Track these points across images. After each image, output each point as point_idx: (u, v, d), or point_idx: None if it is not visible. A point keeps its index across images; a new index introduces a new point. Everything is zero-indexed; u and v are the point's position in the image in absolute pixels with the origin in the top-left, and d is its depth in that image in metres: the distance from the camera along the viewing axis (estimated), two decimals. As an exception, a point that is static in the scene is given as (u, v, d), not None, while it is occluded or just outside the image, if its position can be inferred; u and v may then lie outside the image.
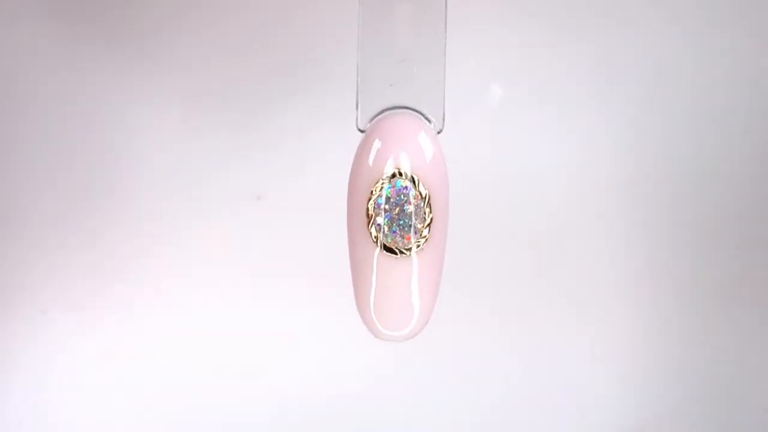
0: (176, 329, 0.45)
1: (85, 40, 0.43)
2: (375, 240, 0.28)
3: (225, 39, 0.44)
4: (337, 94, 0.44)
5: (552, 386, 0.46)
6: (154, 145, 0.44)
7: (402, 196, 0.28)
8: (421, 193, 0.28)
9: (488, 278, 0.46)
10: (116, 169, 0.44)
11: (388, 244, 0.28)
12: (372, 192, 0.28)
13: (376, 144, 0.28)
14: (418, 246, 0.28)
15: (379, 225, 0.28)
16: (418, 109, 0.29)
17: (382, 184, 0.28)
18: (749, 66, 0.45)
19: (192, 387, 0.46)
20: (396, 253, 0.28)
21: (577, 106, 0.45)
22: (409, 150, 0.28)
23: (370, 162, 0.28)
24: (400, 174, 0.28)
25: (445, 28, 0.29)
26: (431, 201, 0.28)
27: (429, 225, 0.28)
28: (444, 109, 0.29)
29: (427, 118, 0.29)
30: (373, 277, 0.28)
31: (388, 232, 0.28)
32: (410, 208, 0.28)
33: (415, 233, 0.28)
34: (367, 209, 0.28)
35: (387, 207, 0.28)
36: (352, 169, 0.29)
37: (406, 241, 0.28)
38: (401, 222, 0.28)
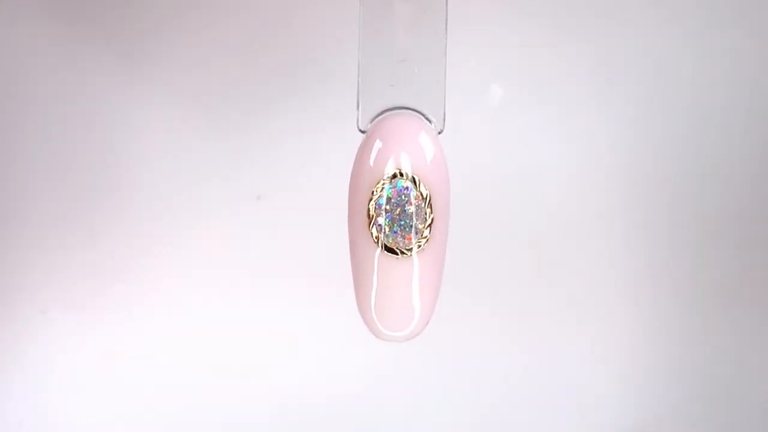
0: (176, 329, 0.45)
1: (85, 40, 0.43)
2: (376, 240, 0.28)
3: (225, 39, 0.44)
4: (337, 94, 0.44)
5: (552, 386, 0.46)
6: (154, 145, 0.44)
7: (403, 197, 0.28)
8: (422, 194, 0.28)
9: (488, 278, 0.46)
10: (116, 169, 0.44)
11: (389, 245, 0.28)
12: (373, 192, 0.28)
13: (377, 144, 0.28)
14: (419, 246, 0.28)
15: (380, 225, 0.28)
16: (418, 109, 0.29)
17: (383, 184, 0.28)
18: (749, 66, 0.45)
19: (192, 387, 0.46)
20: (397, 254, 0.28)
21: (577, 106, 0.45)
22: (410, 150, 0.28)
23: (371, 162, 0.28)
24: (401, 174, 0.28)
25: (446, 28, 0.29)
26: (432, 201, 0.28)
27: (430, 225, 0.28)
28: (444, 110, 0.29)
29: (427, 119, 0.29)
30: (374, 278, 0.28)
31: (389, 233, 0.28)
32: (411, 209, 0.28)
33: (416, 233, 0.28)
34: (368, 209, 0.28)
35: (388, 207, 0.28)
36: (353, 170, 0.29)
37: (407, 242, 0.28)
38: (402, 222, 0.28)
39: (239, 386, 0.46)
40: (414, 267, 0.28)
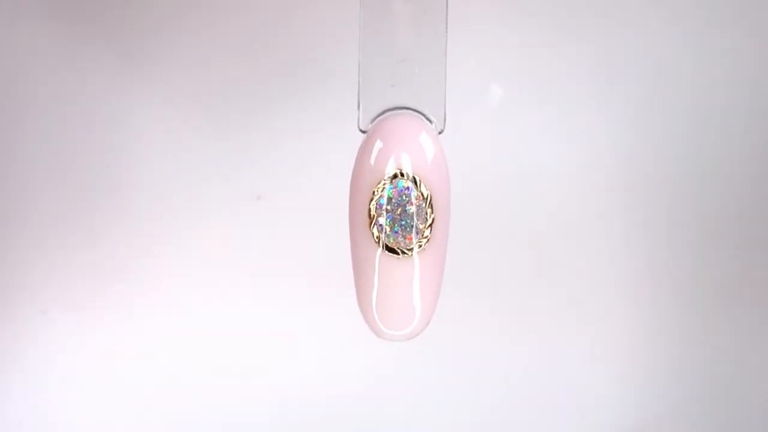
0: (176, 329, 0.45)
1: (85, 40, 0.43)
2: (377, 240, 0.28)
3: (225, 39, 0.44)
4: (338, 94, 0.44)
5: (552, 386, 0.46)
6: (154, 145, 0.44)
7: (404, 197, 0.28)
8: (422, 194, 0.28)
9: (488, 278, 0.46)
10: (116, 169, 0.44)
11: (390, 244, 0.28)
12: (374, 192, 0.28)
13: (378, 144, 0.28)
14: (420, 246, 0.28)
15: (381, 225, 0.28)
16: (419, 109, 0.29)
17: (384, 184, 0.28)
18: (749, 66, 0.45)
19: (192, 387, 0.46)
20: (398, 253, 0.28)
21: (577, 106, 0.45)
22: (410, 150, 0.28)
23: (372, 162, 0.28)
24: (402, 174, 0.28)
25: (446, 28, 0.29)
26: (433, 201, 0.28)
27: (431, 225, 0.28)
28: (445, 110, 0.29)
29: (428, 119, 0.29)
30: (375, 277, 0.28)
31: (390, 233, 0.28)
32: (412, 209, 0.28)
33: (417, 233, 0.28)
34: (369, 209, 0.28)
35: (389, 207, 0.28)
36: (354, 170, 0.29)
37: (407, 242, 0.28)
38: (403, 222, 0.28)
39: (239, 386, 0.46)
40: (415, 267, 0.28)
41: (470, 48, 0.44)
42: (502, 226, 0.46)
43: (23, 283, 0.44)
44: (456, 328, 0.45)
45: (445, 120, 0.29)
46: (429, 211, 0.28)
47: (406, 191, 0.28)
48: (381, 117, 0.29)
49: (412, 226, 0.28)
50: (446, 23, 0.29)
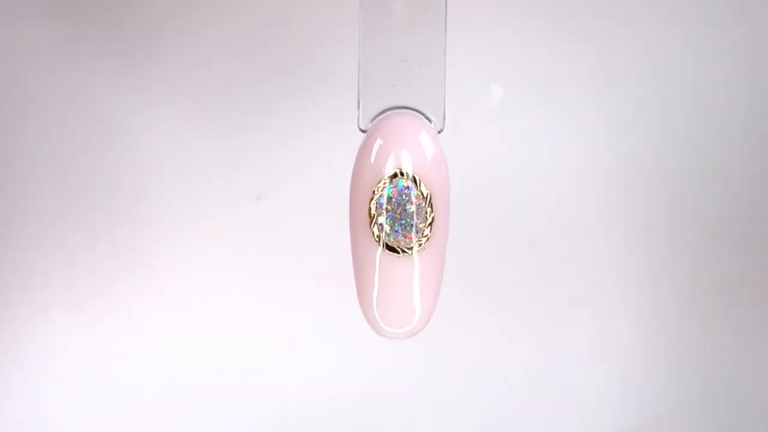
0: (176, 329, 0.45)
1: (85, 40, 0.43)
2: (377, 239, 0.28)
3: (225, 39, 0.44)
4: (337, 94, 0.44)
5: (552, 386, 0.46)
6: (154, 145, 0.44)
7: (404, 196, 0.28)
8: (422, 193, 0.28)
9: (488, 278, 0.46)
10: (116, 169, 0.44)
11: (390, 243, 0.28)
12: (374, 192, 0.28)
13: (378, 144, 0.28)
14: (420, 245, 0.28)
15: (381, 224, 0.28)
16: (418, 108, 0.29)
17: (384, 183, 0.28)
18: (749, 66, 0.45)
19: (192, 387, 0.46)
20: (398, 252, 0.28)
21: (577, 106, 0.45)
22: (410, 150, 0.28)
23: (372, 162, 0.28)
24: (402, 174, 0.28)
25: (445, 28, 0.29)
26: (432, 200, 0.28)
27: (430, 224, 0.28)
28: (444, 109, 0.29)
29: (427, 118, 0.29)
30: (376, 276, 0.29)
31: (390, 232, 0.28)
32: (412, 208, 0.28)
33: (417, 232, 0.28)
34: (369, 209, 0.28)
35: (389, 207, 0.28)
36: (354, 169, 0.29)
37: (407, 241, 0.28)
38: (403, 221, 0.28)
39: (239, 386, 0.46)
40: (415, 265, 0.28)
41: (470, 48, 0.44)
42: (502, 226, 0.46)
43: (23, 283, 0.44)
44: (456, 328, 0.45)
45: (444, 119, 0.29)
46: (429, 210, 0.28)
47: (406, 190, 0.28)
48: (381, 116, 0.29)
49: (412, 225, 0.28)
50: (446, 23, 0.29)
